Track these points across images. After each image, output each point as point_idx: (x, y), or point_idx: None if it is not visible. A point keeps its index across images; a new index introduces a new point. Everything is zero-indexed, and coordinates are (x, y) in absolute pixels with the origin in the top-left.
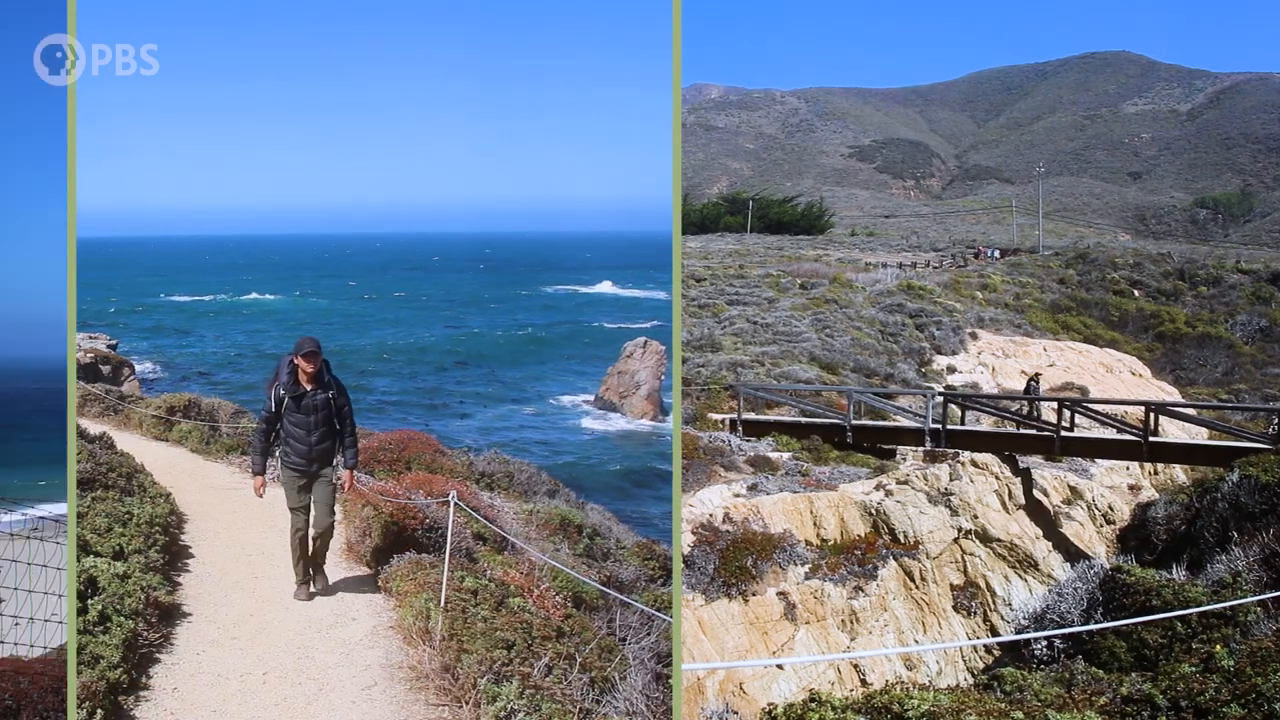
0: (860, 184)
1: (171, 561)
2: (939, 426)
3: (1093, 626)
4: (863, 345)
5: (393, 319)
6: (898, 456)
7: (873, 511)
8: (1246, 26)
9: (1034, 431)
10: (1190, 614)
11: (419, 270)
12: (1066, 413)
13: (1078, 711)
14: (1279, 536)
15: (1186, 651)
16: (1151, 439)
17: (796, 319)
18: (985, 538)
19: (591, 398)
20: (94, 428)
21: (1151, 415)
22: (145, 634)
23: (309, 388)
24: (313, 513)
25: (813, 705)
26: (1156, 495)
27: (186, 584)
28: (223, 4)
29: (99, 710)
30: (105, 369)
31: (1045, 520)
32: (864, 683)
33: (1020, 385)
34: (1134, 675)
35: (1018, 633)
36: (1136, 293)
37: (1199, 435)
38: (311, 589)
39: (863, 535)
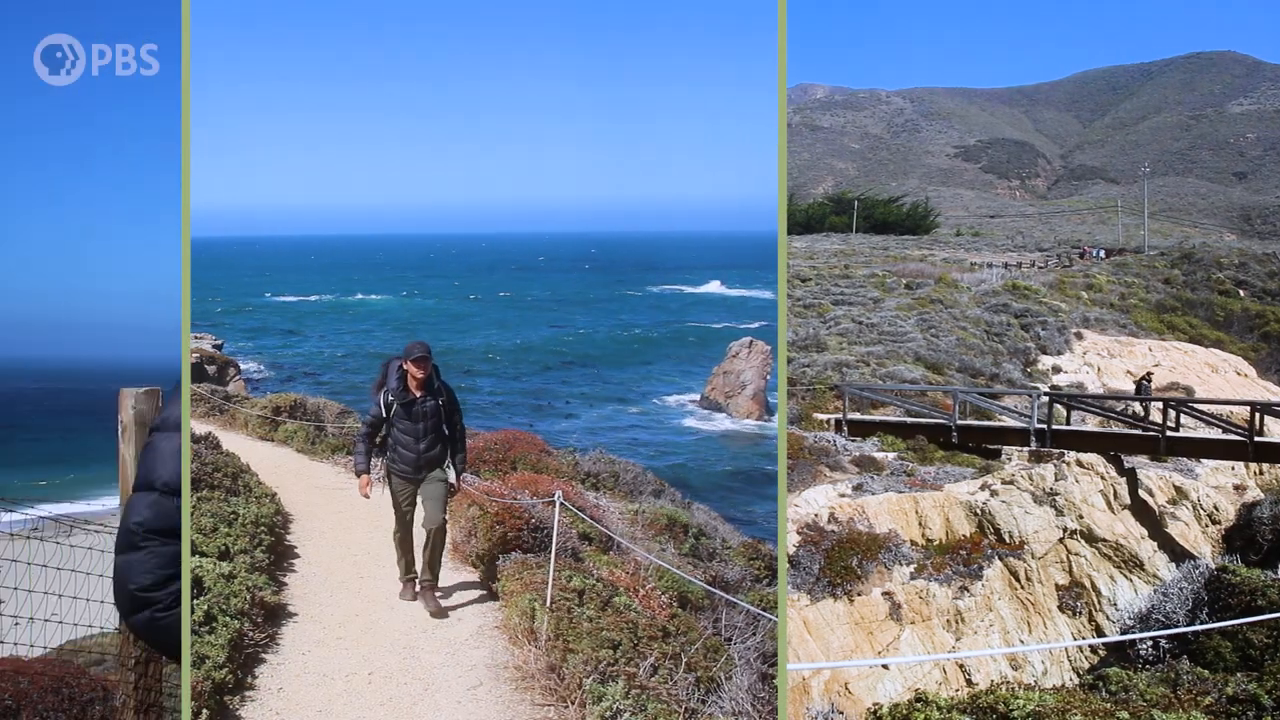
0: (965, 184)
1: (277, 561)
2: (1044, 426)
3: (1198, 627)
4: (968, 345)
5: (498, 319)
6: (1003, 456)
7: (978, 511)
8: None
9: (1139, 431)
10: None
11: (525, 270)
12: (1172, 413)
13: (1183, 711)
14: None
15: None
16: (1257, 439)
17: (902, 319)
18: (1090, 538)
19: (697, 397)
20: (199, 428)
21: (1257, 415)
22: (251, 634)
23: (419, 394)
24: (422, 511)
25: (918, 705)
26: (1262, 495)
27: (292, 584)
28: (333, 4)
29: (204, 710)
30: (211, 369)
31: (1150, 520)
32: (969, 683)
33: (1126, 385)
34: (1239, 675)
35: (1123, 633)
36: (1242, 293)
37: None
38: (436, 599)
39: (968, 535)
